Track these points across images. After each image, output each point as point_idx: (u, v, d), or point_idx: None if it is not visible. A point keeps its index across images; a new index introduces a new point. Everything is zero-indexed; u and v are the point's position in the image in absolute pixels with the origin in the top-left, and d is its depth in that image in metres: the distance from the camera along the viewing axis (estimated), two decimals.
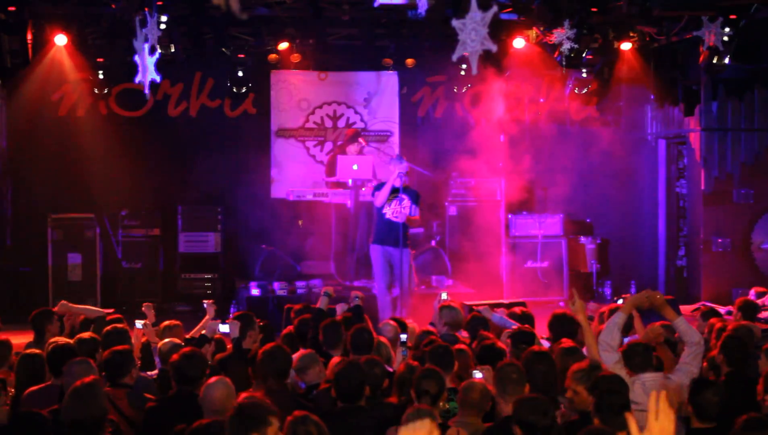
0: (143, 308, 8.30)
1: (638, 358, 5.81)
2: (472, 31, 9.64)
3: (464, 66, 13.05)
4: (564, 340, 6.81)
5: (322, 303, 7.88)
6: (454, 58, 9.58)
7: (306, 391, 6.23)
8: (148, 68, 9.77)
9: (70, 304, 8.37)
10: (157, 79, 9.99)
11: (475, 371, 5.90)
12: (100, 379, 5.38)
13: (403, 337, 7.31)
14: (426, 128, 14.16)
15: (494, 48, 9.66)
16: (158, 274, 12.91)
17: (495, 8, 9.86)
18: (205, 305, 8.31)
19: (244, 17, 9.72)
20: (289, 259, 12.70)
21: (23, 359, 6.47)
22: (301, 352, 6.60)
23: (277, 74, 13.47)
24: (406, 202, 10.69)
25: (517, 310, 8.40)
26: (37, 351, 6.60)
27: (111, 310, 9.35)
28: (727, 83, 12.71)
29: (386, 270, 10.69)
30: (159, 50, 9.80)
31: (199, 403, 5.22)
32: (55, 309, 8.15)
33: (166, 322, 8.09)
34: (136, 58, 9.85)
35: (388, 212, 10.75)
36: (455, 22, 9.59)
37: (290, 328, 7.85)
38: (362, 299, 8.30)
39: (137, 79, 9.89)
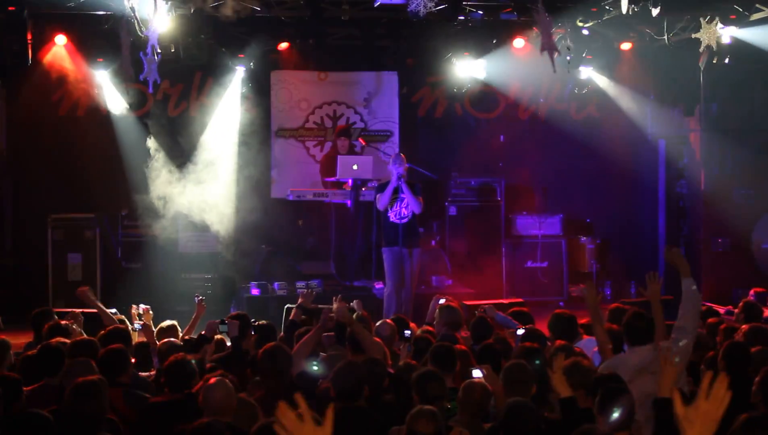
0: (135, 311, 8.33)
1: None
2: (545, 30, 9.42)
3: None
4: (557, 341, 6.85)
5: (295, 315, 7.94)
6: (541, 52, 9.39)
7: None
8: (153, 69, 9.83)
9: (91, 296, 8.39)
10: (158, 79, 10.06)
11: (474, 370, 5.91)
12: (103, 378, 5.39)
13: (407, 332, 7.32)
14: (426, 128, 14.17)
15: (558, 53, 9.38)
16: (158, 274, 12.89)
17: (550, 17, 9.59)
18: (196, 300, 8.37)
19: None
20: (289, 259, 12.69)
21: (24, 361, 6.48)
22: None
23: (277, 74, 13.46)
24: (407, 200, 10.72)
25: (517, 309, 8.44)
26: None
27: (112, 311, 9.37)
28: (727, 83, 12.71)
29: (397, 272, 10.72)
30: (159, 51, 9.86)
31: (200, 404, 5.23)
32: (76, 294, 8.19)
33: (163, 324, 8.12)
34: (142, 55, 9.91)
35: (392, 215, 10.80)
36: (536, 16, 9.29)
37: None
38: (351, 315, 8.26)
39: (142, 76, 9.94)
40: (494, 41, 12.51)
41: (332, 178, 12.41)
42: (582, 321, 7.72)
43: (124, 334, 7.03)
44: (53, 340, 6.65)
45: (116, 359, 6.05)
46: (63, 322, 7.56)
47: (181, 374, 5.79)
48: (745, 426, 4.39)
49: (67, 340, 6.74)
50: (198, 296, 8.52)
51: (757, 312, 8.62)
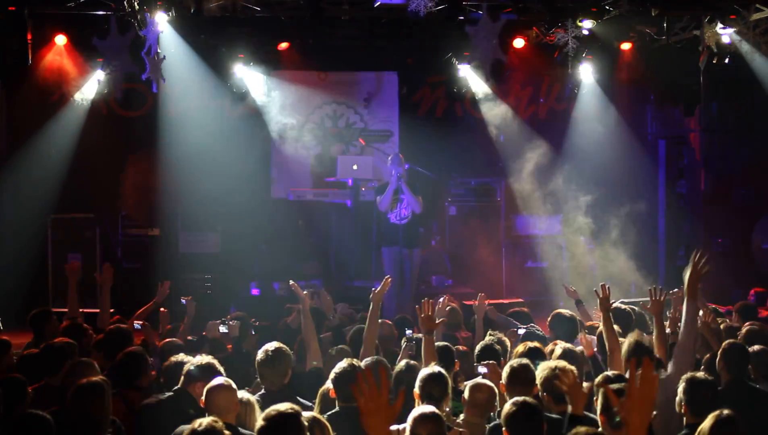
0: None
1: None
2: (483, 39, 9.67)
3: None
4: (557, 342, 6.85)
5: (293, 322, 7.93)
6: (470, 63, 9.47)
7: None
8: (158, 69, 9.83)
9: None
10: (164, 79, 10.08)
11: (480, 367, 5.92)
12: (106, 379, 5.39)
13: (409, 332, 7.33)
14: (426, 128, 14.16)
15: (505, 58, 9.67)
16: (158, 274, 12.88)
17: (503, 20, 9.88)
18: (183, 302, 8.34)
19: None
20: (289, 259, 12.69)
21: (22, 360, 6.48)
22: None
23: (277, 74, 13.46)
24: (406, 201, 10.73)
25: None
26: (36, 351, 6.61)
27: (110, 311, 9.37)
28: (727, 83, 12.71)
29: (396, 272, 10.73)
30: (158, 50, 9.87)
31: (202, 404, 5.23)
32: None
33: (168, 326, 8.14)
34: (144, 55, 9.91)
35: (392, 216, 10.81)
36: (468, 29, 9.59)
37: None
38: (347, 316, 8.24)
39: (145, 75, 9.95)
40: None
41: (332, 178, 12.44)
42: (589, 323, 7.74)
43: (126, 334, 7.02)
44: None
45: (134, 362, 6.06)
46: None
47: (180, 374, 5.78)
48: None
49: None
50: (184, 298, 8.49)
51: (752, 312, 8.64)
